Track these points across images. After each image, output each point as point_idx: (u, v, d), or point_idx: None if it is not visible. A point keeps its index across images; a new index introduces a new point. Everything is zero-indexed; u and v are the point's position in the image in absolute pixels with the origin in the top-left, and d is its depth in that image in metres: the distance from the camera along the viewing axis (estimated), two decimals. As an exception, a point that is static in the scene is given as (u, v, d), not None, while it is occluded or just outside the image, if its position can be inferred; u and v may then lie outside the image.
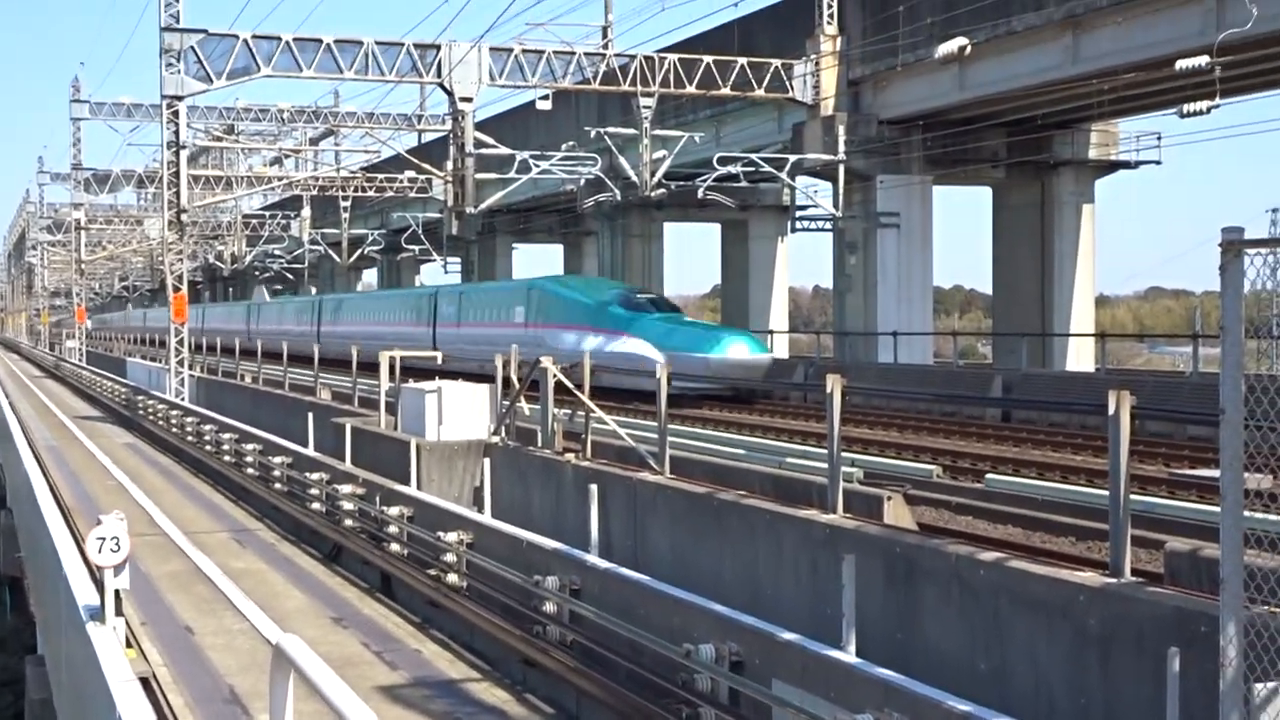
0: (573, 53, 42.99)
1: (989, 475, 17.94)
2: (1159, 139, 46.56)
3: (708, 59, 42.85)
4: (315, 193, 70.35)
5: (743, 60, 43.20)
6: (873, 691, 9.51)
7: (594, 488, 17.17)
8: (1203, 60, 29.77)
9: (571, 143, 51.81)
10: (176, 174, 39.42)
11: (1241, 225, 7.02)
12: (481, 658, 14.14)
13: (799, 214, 48.44)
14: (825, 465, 13.70)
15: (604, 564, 13.80)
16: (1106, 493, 10.57)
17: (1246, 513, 6.82)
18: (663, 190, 47.06)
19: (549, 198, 64.55)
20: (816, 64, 43.96)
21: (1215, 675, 6.77)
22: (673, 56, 43.11)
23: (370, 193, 67.46)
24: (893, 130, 43.89)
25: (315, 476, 21.68)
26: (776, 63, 43.79)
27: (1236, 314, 6.89)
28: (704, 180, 45.56)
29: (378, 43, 39.60)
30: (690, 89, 43.04)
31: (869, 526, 12.48)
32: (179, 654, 13.19)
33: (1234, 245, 6.92)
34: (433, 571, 16.21)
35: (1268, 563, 7.21)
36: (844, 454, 14.36)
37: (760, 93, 43.79)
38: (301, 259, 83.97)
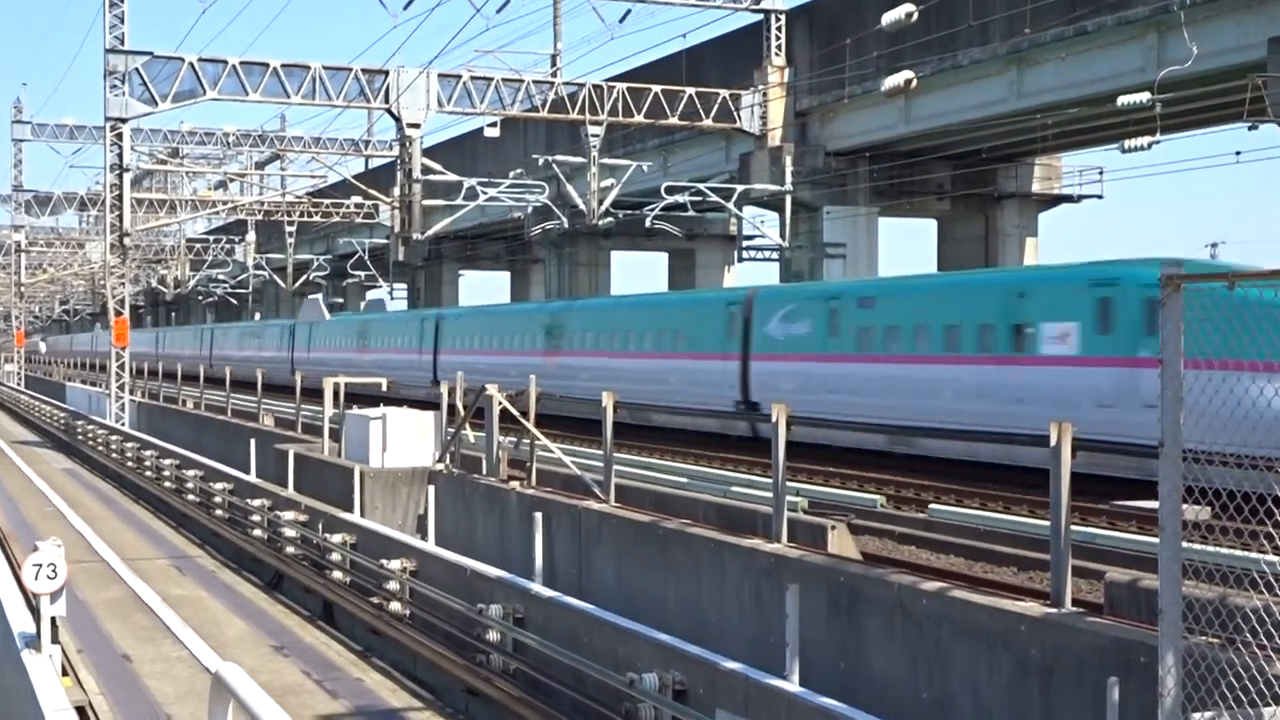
0: (521, 80, 43.07)
1: (932, 505, 18.03)
2: (1101, 173, 47.14)
3: (656, 89, 43.02)
4: (260, 217, 70.01)
5: (691, 90, 43.40)
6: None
7: (539, 516, 17.13)
8: (1144, 97, 30.16)
9: (519, 170, 51.84)
10: (119, 197, 39.13)
11: (1181, 259, 7.11)
12: (424, 686, 14.05)
13: (746, 244, 48.69)
14: (770, 494, 13.72)
15: (548, 592, 13.76)
16: (1048, 523, 10.64)
17: (1185, 544, 6.89)
18: (610, 219, 47.17)
19: (496, 225, 64.52)
20: (764, 95, 44.23)
21: (1154, 705, 6.81)
22: (621, 86, 43.26)
23: (316, 218, 67.18)
24: (839, 162, 44.17)
25: (257, 503, 21.52)
26: (724, 93, 44.03)
27: (1176, 347, 6.96)
28: (651, 209, 45.69)
29: (325, 67, 39.52)
30: (638, 118, 43.19)
31: (813, 556, 12.51)
32: (116, 682, 13.04)
33: (1173, 280, 7.00)
34: (375, 599, 16.12)
35: (1205, 594, 7.28)
36: (789, 483, 14.39)
37: (708, 123, 43.99)
38: (246, 284, 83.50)
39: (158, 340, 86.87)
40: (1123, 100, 30.48)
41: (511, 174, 51.52)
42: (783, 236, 44.57)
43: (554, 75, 49.36)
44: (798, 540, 13.45)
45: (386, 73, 40.08)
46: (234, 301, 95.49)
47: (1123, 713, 8.17)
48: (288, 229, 72.35)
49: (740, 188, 44.44)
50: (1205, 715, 6.65)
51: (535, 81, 43.72)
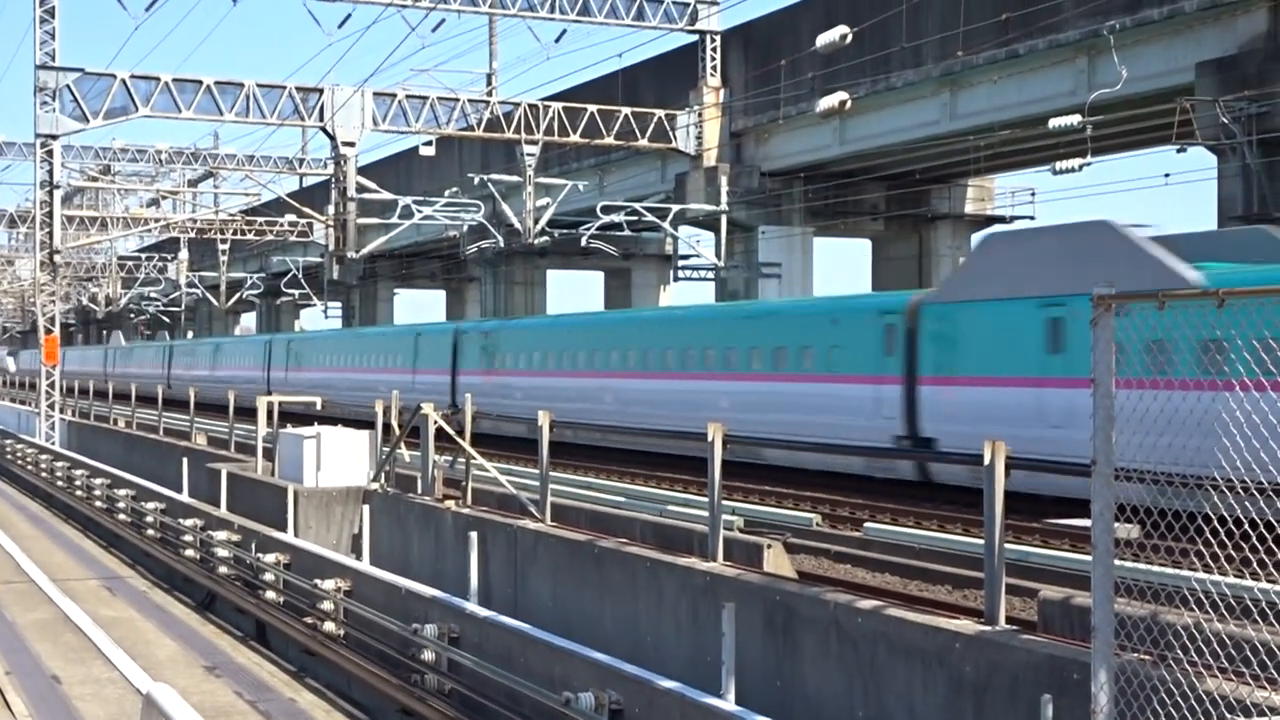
0: (456, 99, 43.04)
1: (867, 524, 18.12)
2: (1033, 195, 47.68)
3: (592, 108, 43.11)
4: (193, 235, 69.49)
5: (627, 110, 43.52)
6: (753, 740, 9.53)
7: (474, 535, 17.06)
8: (1075, 119, 30.57)
9: (455, 189, 51.73)
10: (50, 214, 38.72)
11: (1112, 283, 7.20)
12: (358, 707, 13.94)
13: (681, 263, 48.80)
14: (706, 513, 13.74)
15: (484, 612, 13.71)
16: (982, 541, 10.72)
17: (1116, 562, 6.96)
18: (546, 238, 47.16)
19: (432, 243, 64.34)
20: (700, 115, 44.42)
21: (1087, 721, 6.88)
22: (557, 105, 43.32)
23: (250, 236, 66.74)
24: (775, 182, 44.43)
25: (189, 523, 21.31)
26: (660, 113, 44.18)
27: (1107, 366, 7.05)
28: (587, 228, 45.73)
29: (259, 85, 39.31)
30: (574, 137, 43.27)
31: (749, 575, 12.53)
32: (45, 704, 12.83)
33: (1104, 300, 7.09)
34: (309, 619, 15.99)
35: (1138, 611, 7.36)
36: (725, 502, 14.42)
37: (644, 142, 44.12)
38: (179, 302, 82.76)
39: (106, 359, 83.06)
40: (1054, 123, 30.90)
41: (447, 193, 51.40)
42: (718, 256, 44.74)
43: (489, 94, 49.42)
44: (734, 559, 13.48)
45: (321, 91, 39.92)
46: (166, 319, 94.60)
47: (1056, 729, 8.24)
48: (221, 247, 71.77)
49: (676, 207, 44.59)
50: (1137, 731, 6.72)
51: (471, 100, 43.70)
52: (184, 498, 24.43)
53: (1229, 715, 6.71)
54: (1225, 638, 6.86)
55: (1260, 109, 28.07)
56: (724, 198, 43.59)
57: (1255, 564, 6.38)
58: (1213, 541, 6.50)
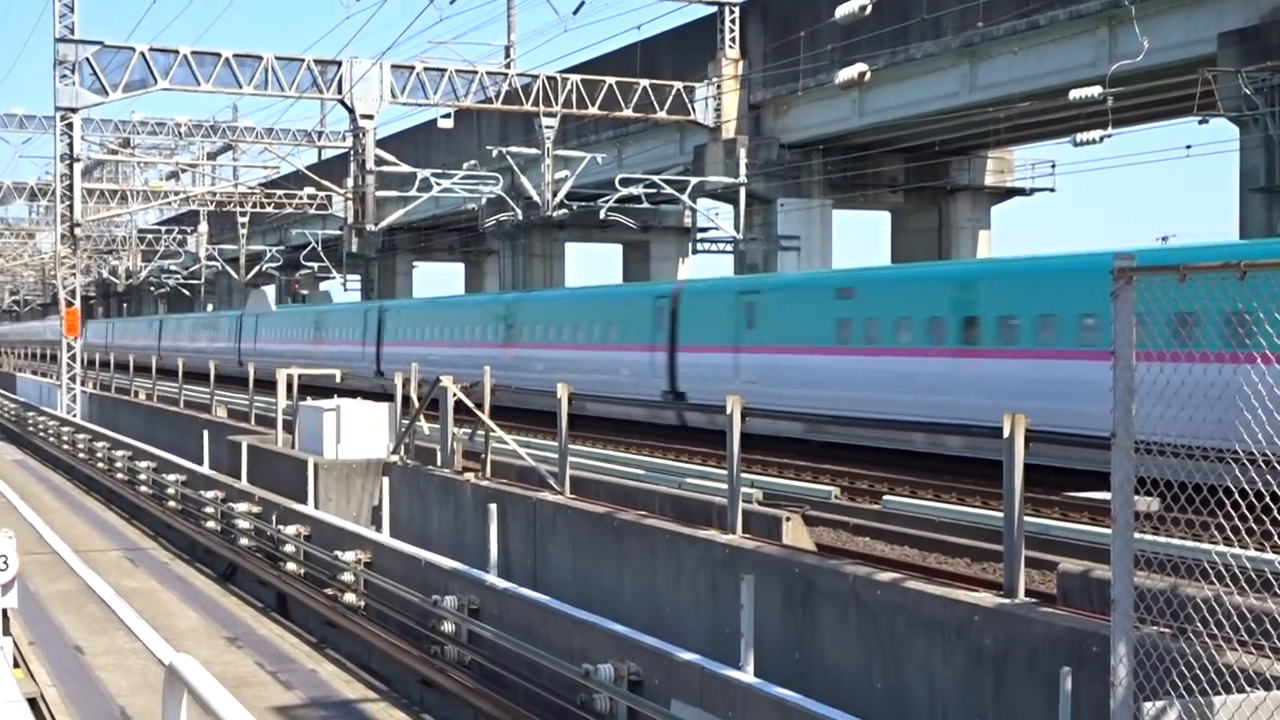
0: (475, 72, 42.94)
1: (886, 496, 18.11)
2: (1053, 166, 47.45)
3: (610, 80, 42.98)
4: (213, 208, 69.53)
5: (645, 82, 43.38)
6: (771, 711, 9.57)
7: (493, 507, 17.11)
8: (1095, 90, 30.38)
9: (473, 161, 51.68)
10: (70, 187, 38.80)
11: (1134, 251, 7.17)
12: (378, 678, 14.03)
13: (700, 236, 48.71)
14: (725, 486, 13.76)
15: (503, 584, 13.76)
16: (1001, 514, 10.72)
17: (1136, 535, 6.95)
18: (564, 210, 47.09)
19: (450, 216, 64.28)
20: (718, 87, 44.26)
21: (1106, 694, 6.87)
22: (575, 77, 43.20)
23: (269, 209, 66.77)
24: (793, 154, 44.26)
25: (210, 495, 21.42)
26: (679, 85, 44.04)
27: (1128, 338, 7.02)
28: (606, 201, 45.64)
29: (278, 58, 39.27)
30: (593, 110, 43.15)
31: (768, 547, 12.55)
32: (68, 674, 12.94)
33: (1125, 272, 7.06)
34: (330, 591, 16.07)
35: (1157, 584, 7.35)
36: (743, 475, 14.43)
37: (662, 115, 44.00)
38: (198, 275, 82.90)
39: (108, 331, 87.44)
40: (1075, 94, 30.70)
41: (465, 165, 51.35)
42: (737, 229, 44.64)
43: (508, 67, 49.28)
44: (752, 531, 13.49)
45: (339, 63, 39.88)
46: (186, 293, 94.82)
47: (1075, 702, 8.24)
48: (240, 220, 71.83)
49: (694, 180, 44.47)
50: (1157, 704, 6.71)
51: (489, 73, 43.61)
52: (205, 470, 24.54)
53: (1248, 688, 6.70)
54: (1245, 611, 6.85)
55: (1285, 79, 27.87)
56: (743, 170, 43.46)
57: (1277, 537, 6.37)
58: (1233, 515, 6.49)
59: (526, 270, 57.49)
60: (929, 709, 10.02)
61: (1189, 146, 69.36)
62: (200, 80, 38.48)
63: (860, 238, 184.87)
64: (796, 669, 11.43)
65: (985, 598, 9.79)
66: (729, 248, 46.39)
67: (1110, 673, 6.86)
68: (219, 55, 38.65)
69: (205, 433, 28.53)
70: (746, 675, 10.65)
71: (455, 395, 19.49)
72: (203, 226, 76.25)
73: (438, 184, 49.52)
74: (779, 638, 11.70)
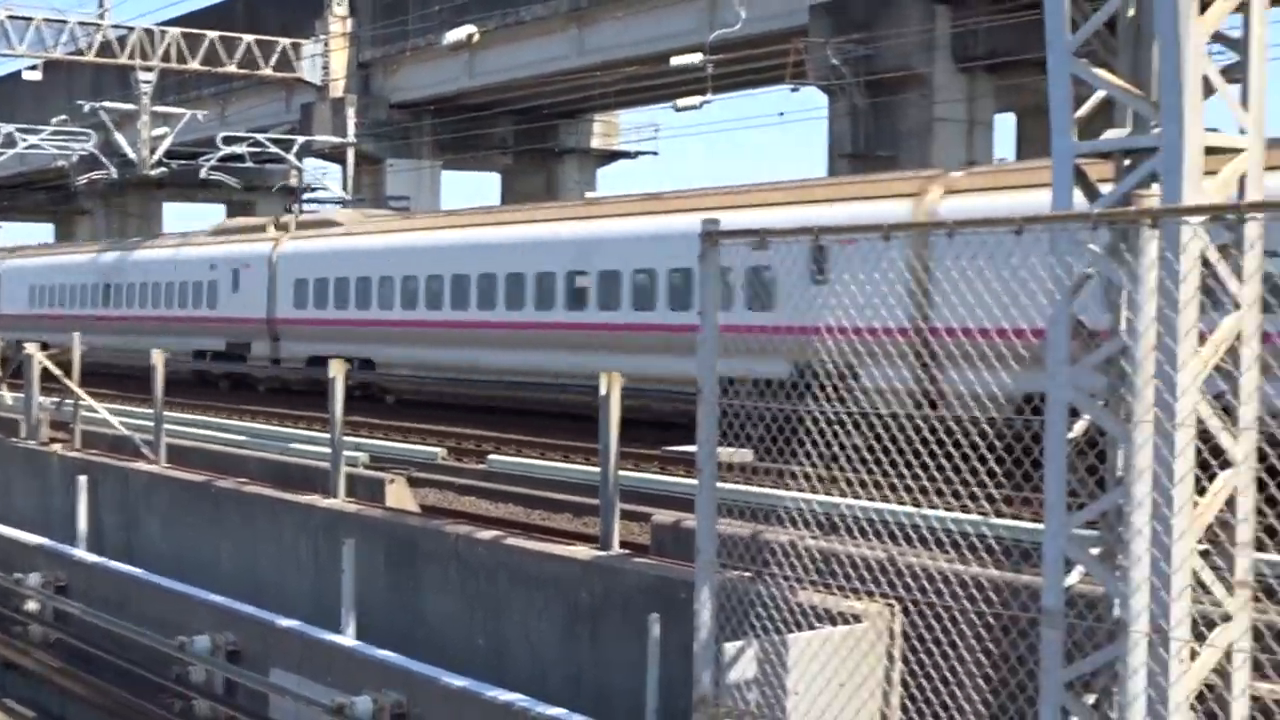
0: (65, 21, 40.64)
1: (491, 456, 18.24)
2: (656, 130, 48.76)
3: (213, 35, 41.46)
4: None
5: (250, 38, 42.05)
6: (372, 673, 9.52)
7: (83, 479, 16.28)
8: (697, 57, 31.31)
9: (64, 117, 49.04)
10: None
11: (717, 219, 7.40)
12: (-47, 664, 13.21)
13: (307, 196, 47.69)
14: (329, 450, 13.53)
15: (92, 558, 13.18)
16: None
17: (722, 485, 7.21)
18: (163, 169, 45.19)
19: (38, 174, 60.93)
20: (326, 45, 43.38)
21: (692, 638, 7.12)
22: (175, 31, 41.47)
23: None
24: (403, 114, 43.93)
25: None
26: (285, 42, 42.89)
27: (714, 299, 7.27)
28: (208, 160, 44.07)
29: None
30: (194, 65, 41.52)
31: (370, 510, 12.43)
32: None
33: (711, 235, 7.29)
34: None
35: (741, 531, 7.65)
36: (350, 438, 14.24)
37: (268, 72, 42.77)
38: None
39: None
40: (676, 60, 31.57)
41: (54, 120, 48.68)
42: (345, 189, 43.95)
43: (101, 17, 46.84)
44: (357, 496, 13.32)
45: (-90, 7, 37.03)
46: None
47: (664, 646, 8.50)
48: None
49: (301, 139, 43.49)
50: (736, 644, 7.00)
51: (81, 23, 41.34)
52: None
53: (817, 624, 7.07)
54: (817, 553, 7.21)
55: (868, 51, 29.39)
56: (351, 129, 42.82)
57: (843, 483, 6.72)
58: (805, 463, 6.81)
59: (123, 230, 55.01)
60: (529, 662, 10.14)
61: (782, 113, 72.29)
62: None
63: (470, 199, 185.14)
64: (401, 631, 11.37)
65: (582, 551, 9.98)
66: (337, 208, 45.60)
67: (695, 617, 7.11)
68: None
69: None
70: (348, 639, 10.54)
71: (42, 362, 18.45)
72: None
73: (23, 140, 46.81)
74: (383, 600, 11.60)
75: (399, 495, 13.90)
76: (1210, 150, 5.84)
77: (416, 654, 10.23)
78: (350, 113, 42.94)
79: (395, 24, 41.71)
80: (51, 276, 42.88)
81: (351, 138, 42.86)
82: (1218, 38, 6.00)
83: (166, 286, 36.12)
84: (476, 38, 34.83)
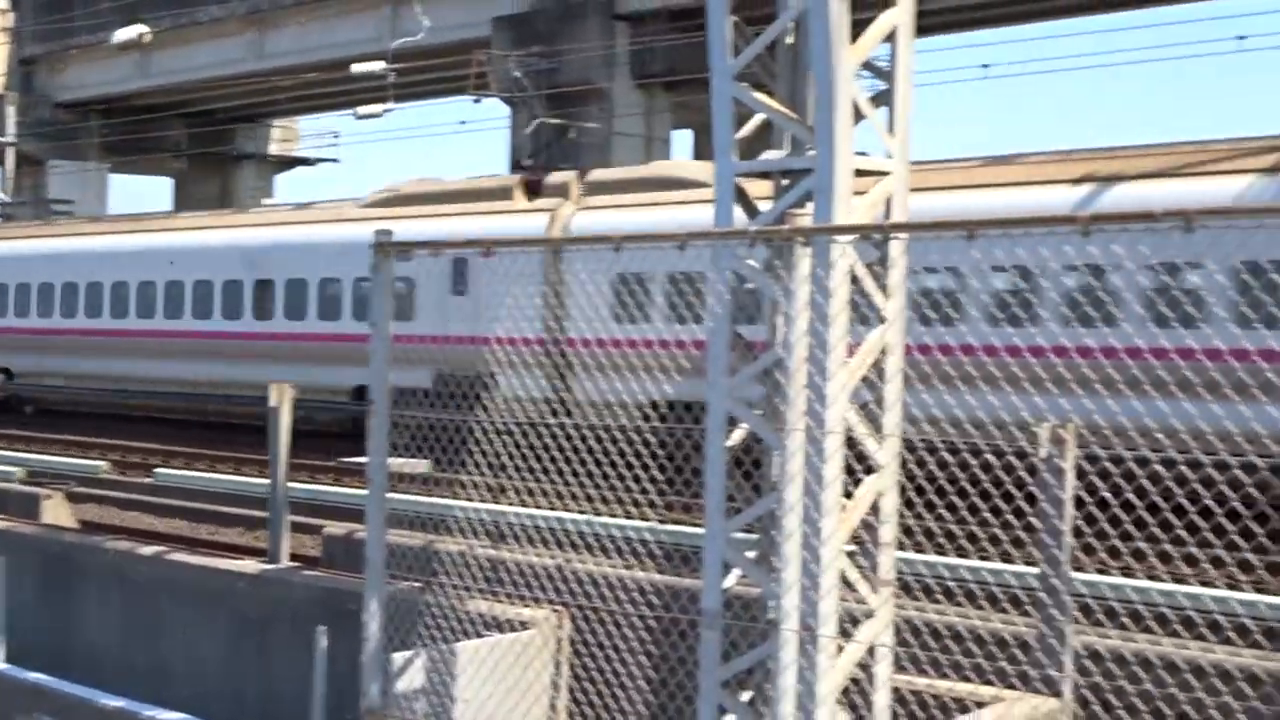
0: None
1: (158, 469, 17.66)
2: (337, 137, 48.09)
3: None
4: None
5: (-105, 28, 39.61)
6: (23, 696, 9.09)
7: None
8: (379, 65, 31.04)
9: None
10: None
11: (390, 230, 7.38)
12: None
13: (-39, 198, 45.21)
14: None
15: None
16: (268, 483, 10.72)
17: (398, 496, 7.17)
18: None
19: None
20: (-17, 39, 41.24)
21: (360, 649, 7.05)
22: None
23: None
24: (69, 114, 42.09)
25: None
26: (-64, 34, 40.58)
27: (386, 312, 7.23)
28: None
29: None
30: None
31: (23, 527, 11.88)
32: None
33: (385, 248, 7.26)
34: None
35: (413, 541, 7.63)
36: (6, 453, 13.58)
37: (-84, 64, 40.39)
38: None
39: None
40: (356, 68, 31.24)
41: None
42: (4, 191, 41.86)
43: None
44: (9, 512, 12.72)
45: None
46: None
47: (332, 658, 8.39)
48: None
49: (-44, 137, 41.20)
50: (405, 654, 6.98)
51: None
52: None
53: (486, 632, 7.11)
54: (486, 561, 7.26)
55: (550, 65, 29.69)
56: (11, 128, 40.83)
57: (511, 492, 6.79)
58: (474, 471, 6.85)
59: None
60: (191, 679, 9.86)
61: (463, 122, 72.93)
62: None
63: (142, 204, 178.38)
64: (56, 651, 10.90)
65: (249, 565, 9.78)
66: (-3, 211, 43.38)
67: (363, 628, 7.05)
68: None
69: None
70: (-3, 662, 10.04)
71: None
72: None
73: None
74: (37, 620, 11.10)
75: (56, 511, 13.35)
76: (860, 172, 6.14)
77: (72, 674, 9.82)
78: (10, 111, 40.95)
79: (60, 20, 39.95)
80: None
81: (11, 137, 40.87)
82: (868, 66, 6.31)
83: None
84: (149, 37, 33.67)
